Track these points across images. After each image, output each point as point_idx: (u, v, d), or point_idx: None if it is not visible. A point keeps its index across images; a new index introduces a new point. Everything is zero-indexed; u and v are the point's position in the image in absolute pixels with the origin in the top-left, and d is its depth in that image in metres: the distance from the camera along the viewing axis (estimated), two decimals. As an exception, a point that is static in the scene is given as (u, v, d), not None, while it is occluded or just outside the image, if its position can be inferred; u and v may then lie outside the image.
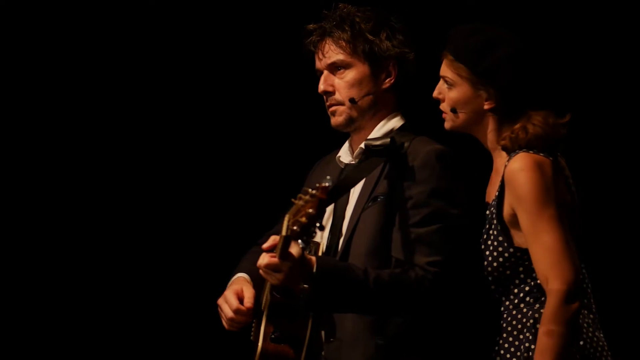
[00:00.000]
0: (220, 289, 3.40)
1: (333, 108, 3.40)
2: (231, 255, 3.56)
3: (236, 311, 3.28)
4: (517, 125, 3.17)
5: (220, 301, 3.34)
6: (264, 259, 3.01)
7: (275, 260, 2.97)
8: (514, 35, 3.24)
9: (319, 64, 3.42)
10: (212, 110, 4.63)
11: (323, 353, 3.24)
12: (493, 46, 3.19)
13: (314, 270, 3.04)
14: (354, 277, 3.08)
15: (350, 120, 3.39)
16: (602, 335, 3.17)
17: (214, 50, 4.59)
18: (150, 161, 4.63)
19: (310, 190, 2.85)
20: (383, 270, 3.15)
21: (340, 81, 3.38)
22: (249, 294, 3.31)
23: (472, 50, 3.20)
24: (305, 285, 3.03)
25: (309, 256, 3.06)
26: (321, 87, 3.39)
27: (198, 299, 4.26)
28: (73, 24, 4.54)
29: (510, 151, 3.16)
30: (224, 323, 3.34)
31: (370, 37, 3.35)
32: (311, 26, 3.41)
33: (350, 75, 3.37)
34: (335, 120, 3.41)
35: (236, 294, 3.31)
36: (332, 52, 3.37)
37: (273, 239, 3.01)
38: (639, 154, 4.23)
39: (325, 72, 3.40)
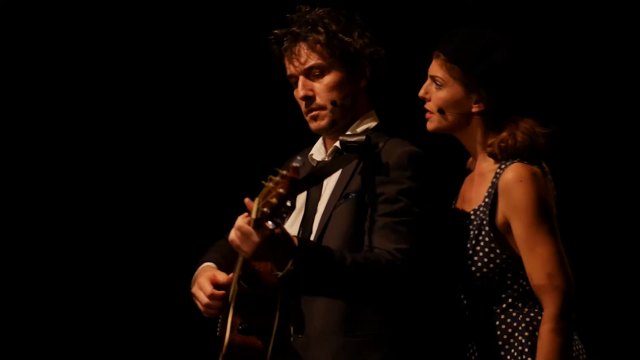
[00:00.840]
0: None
1: (314, 113, 3.37)
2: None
3: (210, 296, 3.25)
4: (505, 133, 3.17)
5: (195, 289, 3.32)
6: (242, 221, 2.92)
7: (250, 229, 2.90)
8: (512, 40, 3.24)
9: (293, 70, 3.38)
10: (177, 116, 4.66)
11: (290, 349, 3.20)
12: (491, 50, 3.19)
13: (296, 245, 2.95)
14: (333, 257, 3.03)
15: (333, 123, 3.37)
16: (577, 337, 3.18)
17: (199, 54, 4.62)
18: (136, 162, 4.65)
19: (280, 171, 2.82)
20: (356, 253, 3.11)
21: (320, 85, 3.35)
22: (222, 278, 3.28)
23: (469, 52, 3.19)
24: (276, 272, 2.96)
25: (288, 232, 2.98)
26: (301, 93, 3.36)
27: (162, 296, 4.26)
28: (73, 24, 4.57)
29: (499, 159, 3.16)
30: (201, 310, 3.31)
31: (344, 38, 3.34)
32: (278, 32, 3.39)
33: (329, 78, 3.35)
34: (318, 125, 3.37)
35: (210, 280, 3.28)
36: (308, 57, 3.34)
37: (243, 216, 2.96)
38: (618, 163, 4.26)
39: (302, 77, 3.37)
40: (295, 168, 2.80)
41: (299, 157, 2.88)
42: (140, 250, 4.60)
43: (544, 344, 3.03)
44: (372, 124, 3.40)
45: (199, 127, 4.62)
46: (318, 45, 3.33)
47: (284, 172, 2.80)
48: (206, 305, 3.27)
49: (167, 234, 4.59)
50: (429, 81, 3.27)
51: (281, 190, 2.78)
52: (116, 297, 4.59)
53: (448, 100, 3.22)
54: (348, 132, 3.36)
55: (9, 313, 4.58)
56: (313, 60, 3.34)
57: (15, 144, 4.58)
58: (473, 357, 3.22)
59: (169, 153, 4.64)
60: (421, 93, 3.29)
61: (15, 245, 4.59)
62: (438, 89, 3.24)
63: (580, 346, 3.16)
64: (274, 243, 2.91)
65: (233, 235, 2.95)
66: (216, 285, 3.27)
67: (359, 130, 3.38)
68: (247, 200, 2.94)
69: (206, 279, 3.28)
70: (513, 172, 3.11)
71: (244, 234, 2.91)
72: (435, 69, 3.25)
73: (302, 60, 3.35)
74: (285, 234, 2.94)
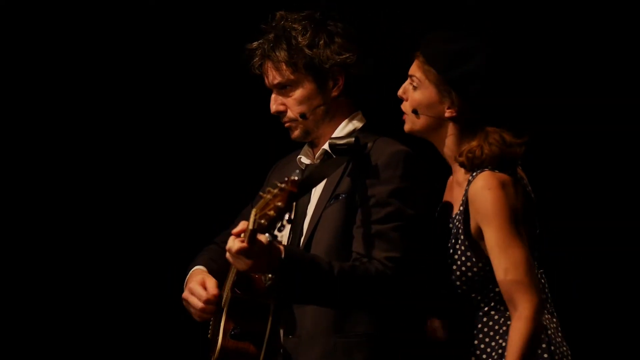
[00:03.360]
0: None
1: (288, 125, 3.43)
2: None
3: (207, 301, 3.27)
4: (474, 143, 3.16)
5: (186, 294, 3.33)
6: (235, 244, 2.94)
7: (245, 244, 2.91)
8: (491, 48, 3.23)
9: (266, 84, 3.44)
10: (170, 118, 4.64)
11: (282, 350, 3.23)
12: (468, 56, 3.18)
13: (282, 256, 2.99)
14: (320, 267, 3.06)
15: (306, 133, 3.42)
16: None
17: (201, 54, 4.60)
18: (132, 164, 4.63)
19: (279, 184, 2.84)
20: (345, 262, 3.14)
21: (289, 99, 3.40)
22: (211, 282, 3.30)
23: (447, 56, 3.19)
24: (269, 275, 2.99)
25: (277, 244, 3.01)
26: (272, 108, 3.42)
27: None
28: (73, 24, 4.53)
29: (469, 169, 3.17)
30: (194, 315, 3.33)
31: (308, 51, 3.35)
32: (252, 45, 3.41)
33: (296, 92, 3.38)
34: (294, 135, 3.43)
35: (201, 285, 3.30)
36: (274, 75, 3.39)
37: (243, 224, 2.95)
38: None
39: (274, 91, 3.42)
40: (295, 182, 2.82)
41: (297, 171, 2.89)
42: (126, 253, 4.59)
43: (515, 342, 3.01)
44: (359, 125, 3.42)
45: (196, 129, 4.60)
46: (281, 63, 3.37)
47: (283, 185, 2.82)
48: (201, 310, 3.28)
49: (160, 237, 4.59)
50: (407, 81, 3.28)
51: (280, 204, 2.80)
52: (105, 299, 4.59)
53: (422, 102, 3.23)
54: (335, 135, 3.39)
55: (8, 313, 4.58)
56: (278, 78, 3.39)
57: (15, 144, 4.56)
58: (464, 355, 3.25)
59: (166, 155, 4.63)
60: (400, 92, 3.29)
61: (15, 245, 4.57)
62: (414, 90, 3.24)
63: (565, 347, 3.18)
64: (268, 257, 2.94)
65: (230, 257, 2.97)
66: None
67: (345, 131, 3.40)
68: (244, 222, 2.95)
69: (198, 284, 3.30)
70: (481, 181, 3.11)
71: (242, 253, 2.92)
72: (414, 69, 3.25)
73: (270, 78, 3.41)
74: (272, 245, 2.96)
